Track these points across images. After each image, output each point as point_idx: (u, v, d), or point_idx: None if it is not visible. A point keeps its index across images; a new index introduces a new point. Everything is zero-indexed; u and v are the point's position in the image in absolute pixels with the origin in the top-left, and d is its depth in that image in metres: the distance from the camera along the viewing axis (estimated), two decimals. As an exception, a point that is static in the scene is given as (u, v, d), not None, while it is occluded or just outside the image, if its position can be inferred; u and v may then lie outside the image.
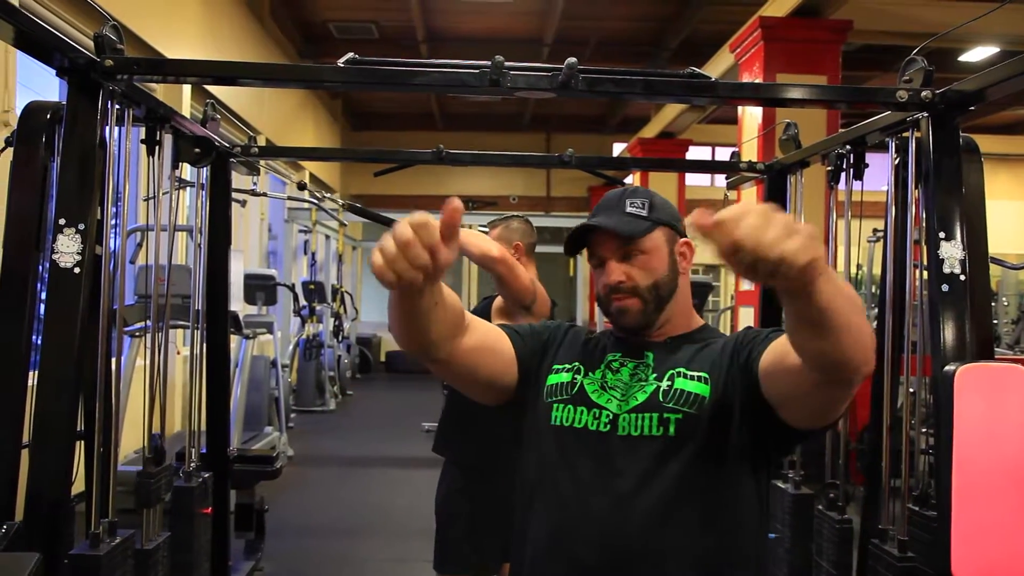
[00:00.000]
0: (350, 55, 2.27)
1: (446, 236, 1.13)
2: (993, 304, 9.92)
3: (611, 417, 1.48)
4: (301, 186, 3.78)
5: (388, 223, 3.13)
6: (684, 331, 1.57)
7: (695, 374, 1.48)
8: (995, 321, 9.64)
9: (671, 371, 1.49)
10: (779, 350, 1.33)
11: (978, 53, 8.57)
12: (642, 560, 1.41)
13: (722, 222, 0.97)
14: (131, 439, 4.02)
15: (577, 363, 1.57)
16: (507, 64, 2.14)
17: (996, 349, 7.68)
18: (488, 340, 1.56)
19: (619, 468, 1.45)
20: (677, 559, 1.41)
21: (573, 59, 2.09)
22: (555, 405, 1.54)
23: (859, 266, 7.40)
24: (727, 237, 0.97)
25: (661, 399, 1.47)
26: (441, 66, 2.26)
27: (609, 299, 1.54)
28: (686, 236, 1.58)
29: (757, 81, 6.37)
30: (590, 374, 1.55)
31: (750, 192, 6.51)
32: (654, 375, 1.50)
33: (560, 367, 1.58)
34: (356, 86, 2.30)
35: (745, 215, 0.97)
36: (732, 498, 1.45)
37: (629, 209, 1.53)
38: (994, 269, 8.10)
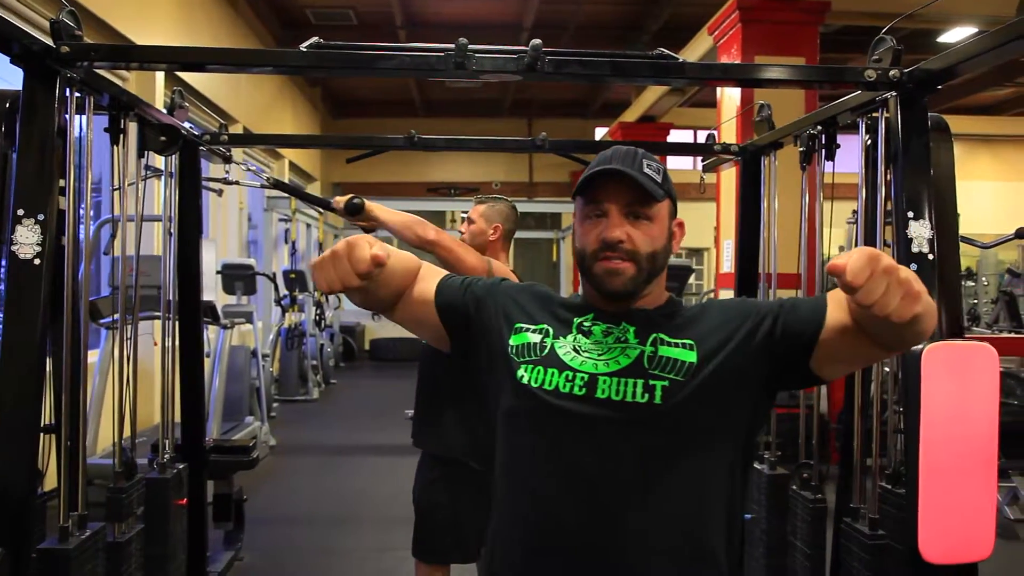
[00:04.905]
0: (314, 39, 2.25)
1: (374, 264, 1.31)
2: (972, 284, 9.98)
3: (586, 379, 1.42)
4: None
5: (317, 202, 3.21)
6: (657, 304, 1.52)
7: (678, 341, 1.44)
8: (975, 301, 9.68)
9: (653, 335, 1.44)
10: (843, 323, 1.36)
11: (957, 34, 8.56)
12: (623, 528, 1.38)
13: (847, 276, 1.11)
14: (109, 432, 3.99)
15: (544, 325, 1.51)
16: (472, 47, 2.12)
17: (975, 328, 7.74)
18: (424, 291, 1.58)
19: (599, 433, 1.40)
20: (659, 529, 1.38)
21: (538, 41, 2.07)
22: (523, 365, 1.47)
23: (841, 248, 7.42)
24: (850, 286, 1.12)
25: (647, 365, 1.41)
26: (407, 50, 2.24)
27: (599, 256, 1.44)
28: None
29: (725, 62, 6.36)
30: (560, 338, 1.48)
31: (730, 173, 6.51)
32: (637, 339, 1.44)
33: (525, 327, 1.52)
34: (321, 71, 2.28)
35: (870, 277, 1.11)
36: (715, 468, 1.42)
37: (646, 170, 1.44)
38: (974, 249, 8.13)
